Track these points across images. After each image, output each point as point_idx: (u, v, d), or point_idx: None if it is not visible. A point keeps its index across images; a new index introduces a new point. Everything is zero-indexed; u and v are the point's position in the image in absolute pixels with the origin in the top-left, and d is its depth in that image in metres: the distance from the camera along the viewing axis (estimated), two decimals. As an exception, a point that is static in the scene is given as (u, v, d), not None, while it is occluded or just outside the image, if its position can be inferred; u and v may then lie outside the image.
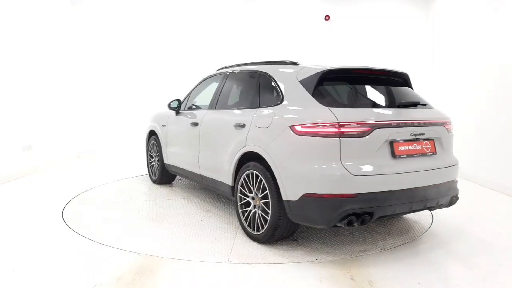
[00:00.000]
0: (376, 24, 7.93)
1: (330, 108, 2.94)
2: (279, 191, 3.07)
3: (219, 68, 4.81)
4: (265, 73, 3.69)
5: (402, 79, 3.66)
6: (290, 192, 2.98)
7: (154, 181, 5.63)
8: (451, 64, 6.95)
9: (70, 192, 5.12)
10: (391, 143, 3.02)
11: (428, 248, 3.37)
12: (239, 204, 3.58)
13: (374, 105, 3.31)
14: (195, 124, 4.39)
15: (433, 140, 3.29)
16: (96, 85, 8.20)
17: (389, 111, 3.19)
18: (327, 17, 7.97)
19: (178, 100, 4.93)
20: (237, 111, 3.86)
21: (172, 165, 5.06)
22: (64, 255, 3.14)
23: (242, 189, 3.53)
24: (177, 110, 4.92)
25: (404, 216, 4.18)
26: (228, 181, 3.73)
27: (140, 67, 8.15)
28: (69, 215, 4.16)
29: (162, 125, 5.26)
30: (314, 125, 2.88)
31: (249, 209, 3.46)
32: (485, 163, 5.83)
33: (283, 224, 3.16)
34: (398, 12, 7.95)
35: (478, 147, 5.91)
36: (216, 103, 4.25)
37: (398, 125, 3.05)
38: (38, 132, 6.70)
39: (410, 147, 3.13)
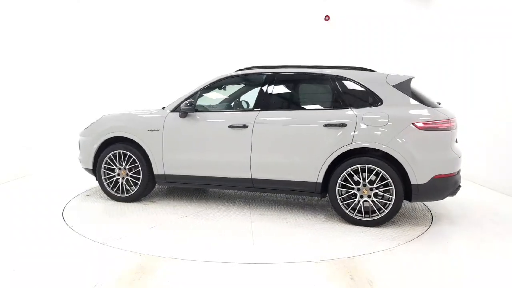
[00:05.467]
0: (376, 24, 7.91)
1: (435, 108, 3.85)
2: (403, 178, 3.74)
3: (240, 68, 4.60)
4: (345, 77, 4.10)
5: None
6: (421, 176, 3.69)
7: (125, 199, 4.68)
8: (449, 64, 6.96)
9: (71, 192, 5.12)
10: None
11: (428, 248, 3.37)
12: (338, 197, 3.93)
13: (436, 104, 4.01)
14: (243, 126, 4.18)
15: None
16: (102, 88, 8.17)
17: (446, 109, 4.02)
18: (327, 17, 7.96)
19: (191, 101, 4.40)
20: (322, 111, 4.11)
21: (179, 175, 4.50)
22: (64, 255, 3.14)
23: (342, 183, 3.91)
24: (186, 113, 4.42)
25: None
26: (315, 178, 4.00)
27: (143, 69, 8.15)
28: (69, 215, 4.16)
29: (149, 130, 4.53)
30: (435, 121, 3.72)
31: (356, 199, 3.86)
32: (485, 163, 5.83)
33: (401, 206, 3.83)
34: (398, 11, 7.93)
35: (477, 147, 5.91)
36: (269, 104, 4.25)
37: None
38: (40, 132, 6.69)
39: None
